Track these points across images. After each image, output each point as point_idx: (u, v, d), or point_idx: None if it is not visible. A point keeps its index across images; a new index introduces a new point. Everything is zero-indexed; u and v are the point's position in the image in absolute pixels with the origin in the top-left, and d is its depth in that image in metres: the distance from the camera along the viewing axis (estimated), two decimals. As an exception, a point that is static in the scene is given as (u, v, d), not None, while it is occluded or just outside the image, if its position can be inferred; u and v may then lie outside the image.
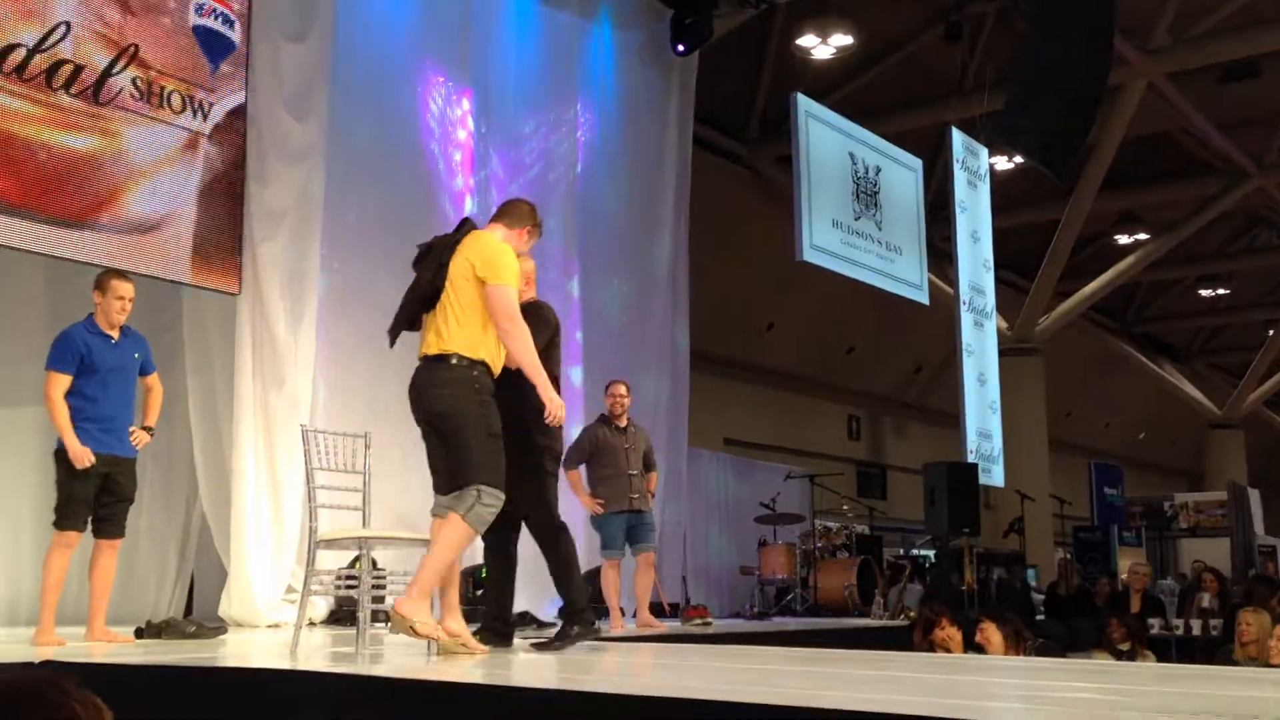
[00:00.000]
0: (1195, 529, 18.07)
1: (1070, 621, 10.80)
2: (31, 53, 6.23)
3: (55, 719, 1.42)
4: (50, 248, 6.32)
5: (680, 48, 11.06)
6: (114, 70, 6.58)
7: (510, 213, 4.74)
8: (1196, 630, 9.50)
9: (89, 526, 5.38)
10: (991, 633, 5.71)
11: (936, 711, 2.55)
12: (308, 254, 7.47)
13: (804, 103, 11.86)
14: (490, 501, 4.28)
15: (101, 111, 6.53)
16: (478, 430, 4.28)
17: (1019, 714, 2.65)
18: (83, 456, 5.20)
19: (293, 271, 7.37)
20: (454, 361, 4.35)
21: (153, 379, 5.70)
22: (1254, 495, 18.77)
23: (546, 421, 4.46)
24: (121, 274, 5.65)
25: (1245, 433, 25.09)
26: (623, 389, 7.57)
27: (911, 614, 10.55)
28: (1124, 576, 12.17)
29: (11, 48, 6.15)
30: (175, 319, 7.33)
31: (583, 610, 4.88)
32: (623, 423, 7.52)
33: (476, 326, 4.36)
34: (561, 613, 5.08)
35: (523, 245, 4.68)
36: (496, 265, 4.37)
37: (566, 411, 4.90)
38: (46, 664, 3.99)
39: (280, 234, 7.33)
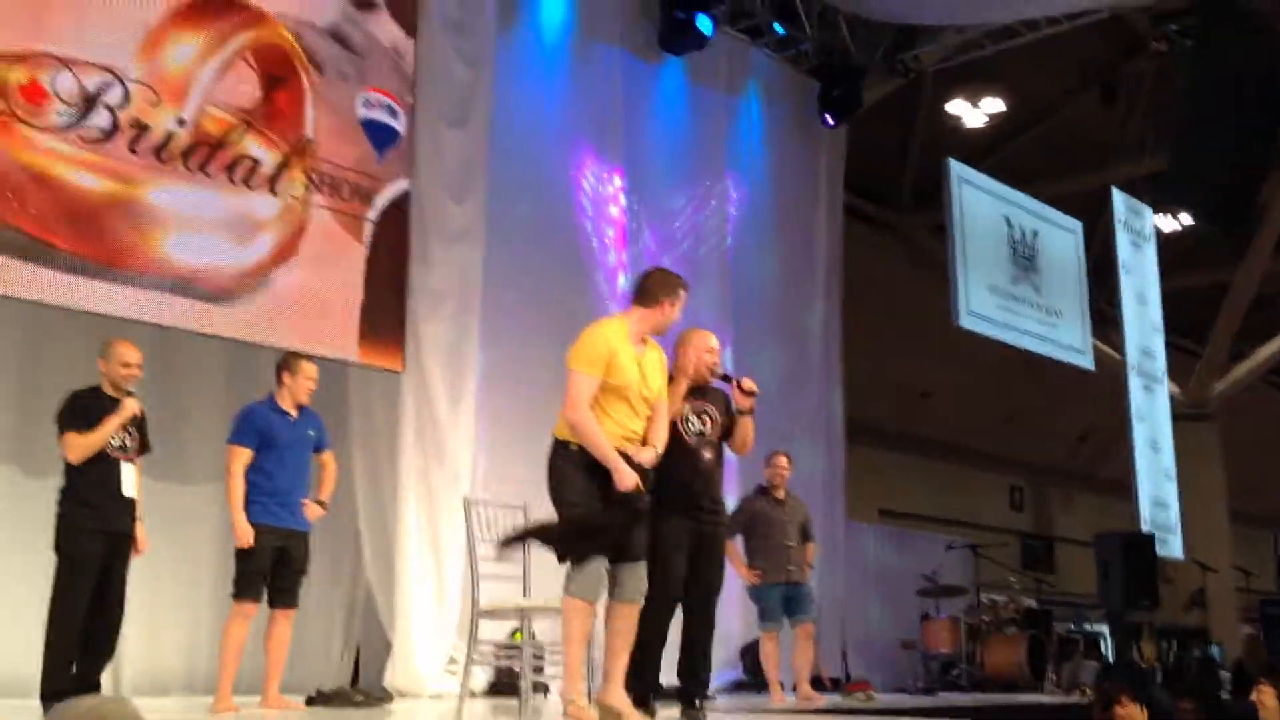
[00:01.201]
0: (1396, 601, 16.83)
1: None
2: (213, 149, 6.62)
3: None
4: (235, 332, 6.68)
5: (829, 119, 11.10)
6: (289, 164, 6.94)
7: (642, 290, 4.72)
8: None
9: (264, 598, 5.59)
10: (1268, 696, 5.58)
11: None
12: (467, 332, 7.69)
13: (957, 168, 11.75)
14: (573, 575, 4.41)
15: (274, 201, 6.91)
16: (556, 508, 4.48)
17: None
18: (245, 536, 5.41)
19: (453, 350, 7.60)
20: (553, 443, 4.57)
21: (327, 455, 5.92)
22: None
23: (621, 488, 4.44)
24: (308, 356, 5.93)
25: None
26: (784, 460, 7.54)
27: (1087, 690, 10.10)
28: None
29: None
30: (342, 396, 7.60)
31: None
32: (781, 494, 7.48)
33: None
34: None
35: (669, 317, 4.67)
36: (573, 350, 4.53)
37: (729, 486, 5.00)
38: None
39: (441, 313, 7.58)
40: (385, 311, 7.38)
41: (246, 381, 6.79)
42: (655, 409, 4.66)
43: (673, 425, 4.88)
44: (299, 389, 5.68)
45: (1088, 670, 11.11)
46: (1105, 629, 12.58)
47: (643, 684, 4.84)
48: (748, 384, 5.06)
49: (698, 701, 5.02)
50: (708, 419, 5.11)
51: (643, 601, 4.56)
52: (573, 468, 4.47)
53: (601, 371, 4.45)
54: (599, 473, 4.45)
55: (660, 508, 4.80)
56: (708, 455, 5.08)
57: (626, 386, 4.50)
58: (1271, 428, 21.27)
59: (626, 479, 4.40)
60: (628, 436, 4.54)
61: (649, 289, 4.69)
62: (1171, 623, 12.83)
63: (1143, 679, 10.30)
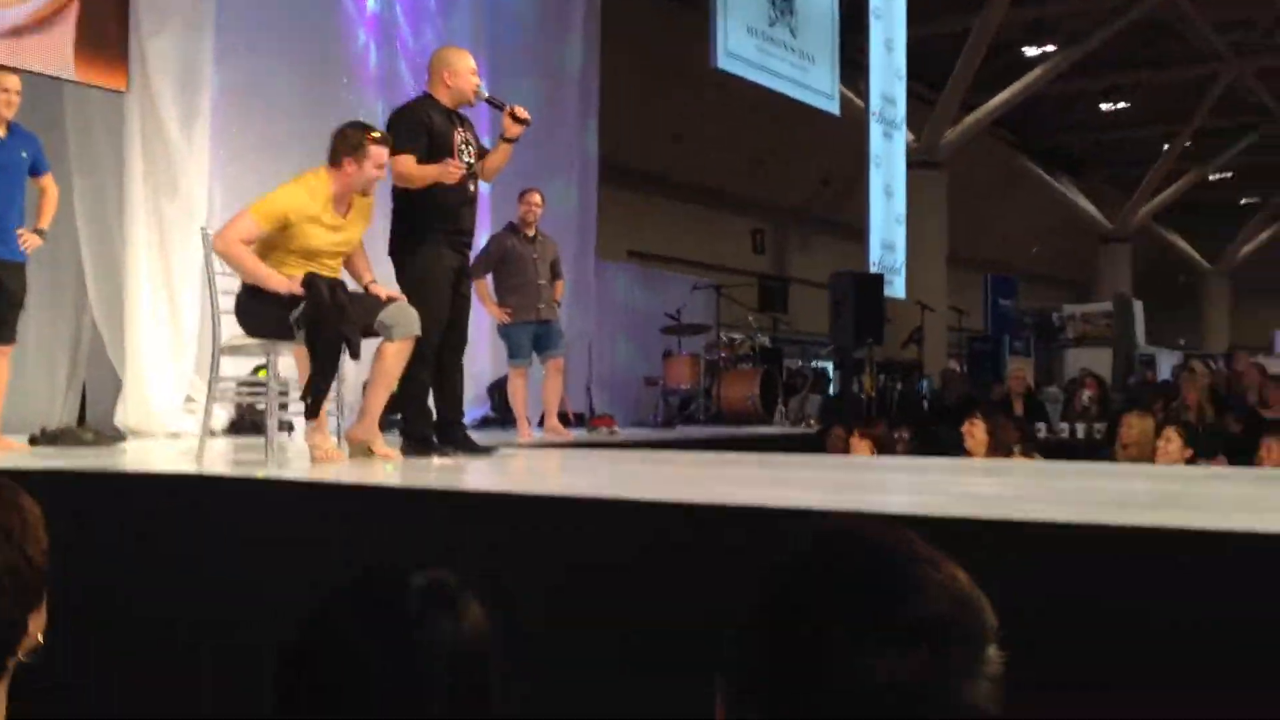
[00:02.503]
0: (1082, 339, 18.63)
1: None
2: None
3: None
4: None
5: None
6: None
7: (330, 150, 4.53)
8: (1081, 434, 9.91)
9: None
10: (978, 429, 6.00)
11: (840, 505, 2.62)
12: (200, 48, 7.10)
13: (720, -101, 11.41)
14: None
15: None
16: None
17: (920, 506, 2.73)
18: None
19: (184, 68, 7.02)
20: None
21: (46, 179, 5.47)
22: (1138, 307, 19.39)
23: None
24: (4, 67, 5.35)
25: (1134, 247, 25.80)
26: (538, 198, 7.43)
27: (813, 421, 10.85)
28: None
29: None
30: (58, 117, 6.96)
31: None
32: (531, 232, 7.41)
33: None
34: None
35: (363, 174, 4.46)
36: (260, 199, 4.47)
37: (479, 220, 4.95)
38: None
39: (170, 27, 6.94)
40: (105, 24, 6.68)
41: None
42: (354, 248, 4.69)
43: (446, 154, 4.81)
44: None
45: (813, 403, 11.91)
46: (831, 365, 13.44)
47: (425, 423, 4.89)
48: (521, 112, 4.95)
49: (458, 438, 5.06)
50: (473, 150, 5.02)
51: (416, 336, 4.53)
52: (265, 307, 4.39)
53: (270, 228, 4.37)
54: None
55: (429, 239, 4.83)
56: (471, 188, 5.02)
57: (316, 251, 4.47)
58: (992, 176, 22.66)
59: (287, 284, 4.32)
60: None
61: (331, 149, 4.51)
62: (890, 358, 13.79)
63: (861, 410, 11.13)
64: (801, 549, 0.94)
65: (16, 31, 6.27)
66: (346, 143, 4.46)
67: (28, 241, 5.30)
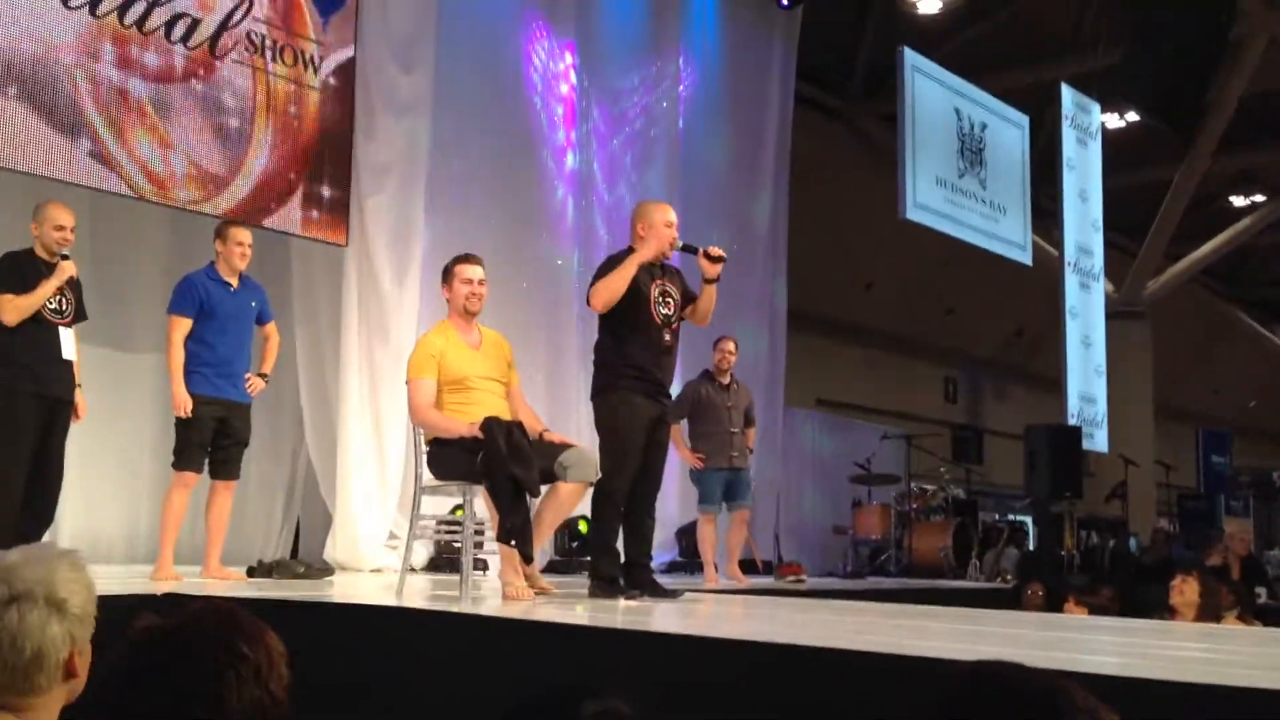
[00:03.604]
0: (1307, 499, 17.47)
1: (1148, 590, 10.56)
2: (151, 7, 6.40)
3: (229, 659, 1.47)
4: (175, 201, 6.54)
5: (784, 1, 10.93)
6: (229, 24, 6.74)
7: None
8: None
9: (205, 469, 5.58)
10: (1189, 590, 5.71)
11: (1035, 662, 2.55)
12: (413, 207, 7.59)
13: (910, 57, 11.67)
14: None
15: (217, 65, 6.70)
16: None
17: (1119, 668, 2.63)
18: (183, 404, 5.38)
19: (398, 224, 7.50)
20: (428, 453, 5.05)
21: (270, 328, 5.88)
22: (1370, 466, 18.11)
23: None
24: (240, 223, 5.85)
25: (1362, 402, 24.20)
26: (731, 345, 7.58)
27: (1008, 577, 10.46)
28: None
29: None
30: (283, 271, 7.51)
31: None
32: (726, 379, 7.54)
33: None
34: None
35: (464, 289, 4.97)
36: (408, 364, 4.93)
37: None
38: (168, 597, 4.16)
39: (387, 187, 7.46)
40: (328, 183, 7.25)
41: (189, 250, 6.68)
42: (513, 396, 5.00)
43: (641, 305, 4.91)
44: (232, 255, 5.60)
45: (1009, 557, 11.48)
46: (1029, 519, 12.97)
47: (612, 564, 4.94)
48: (715, 251, 4.97)
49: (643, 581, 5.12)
50: (671, 301, 5.05)
51: (592, 481, 4.67)
52: (451, 454, 4.68)
53: (434, 374, 4.79)
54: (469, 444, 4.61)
55: (623, 386, 4.91)
56: (667, 338, 5.03)
57: (466, 378, 4.82)
58: (1198, 326, 21.77)
59: (468, 428, 4.58)
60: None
61: (443, 286, 5.06)
62: (1092, 513, 13.23)
63: (1060, 567, 10.67)
64: (967, 676, 0.97)
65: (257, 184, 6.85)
66: (443, 278, 5.03)
67: (253, 385, 5.70)
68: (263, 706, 1.47)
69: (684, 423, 7.43)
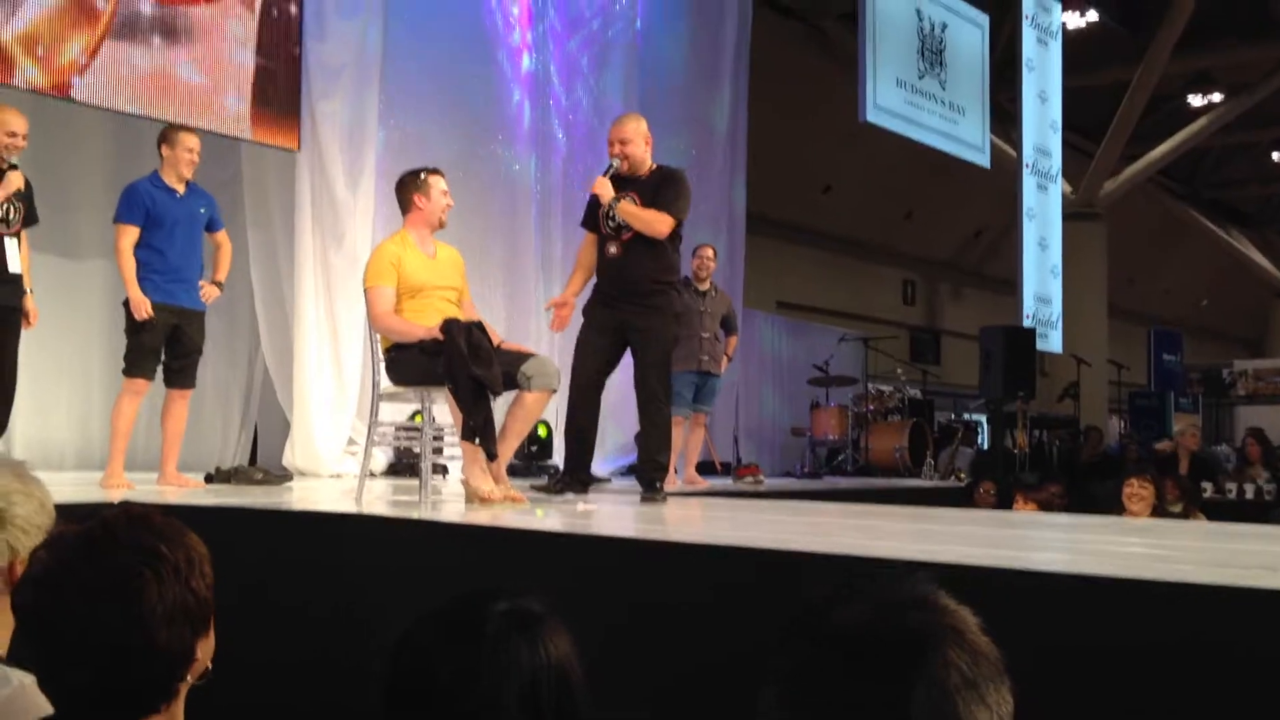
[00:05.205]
0: (1253, 396, 17.82)
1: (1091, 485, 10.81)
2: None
3: (144, 561, 1.48)
4: (118, 103, 6.37)
5: (742, -103, 10.70)
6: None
7: (399, 204, 4.99)
8: (1250, 494, 9.50)
9: (158, 376, 5.54)
10: (1147, 491, 5.89)
11: (985, 561, 2.61)
12: (366, 111, 7.45)
13: (869, -45, 11.47)
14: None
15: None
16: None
17: (1067, 564, 2.70)
18: (141, 306, 5.31)
19: (351, 128, 7.36)
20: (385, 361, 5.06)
21: (221, 235, 5.80)
22: (1317, 364, 18.47)
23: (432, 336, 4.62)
24: (187, 128, 5.72)
25: (1311, 301, 24.64)
26: (710, 252, 7.65)
27: (962, 475, 10.65)
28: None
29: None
30: (235, 175, 7.39)
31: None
32: (704, 286, 7.55)
33: None
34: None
35: (433, 206, 4.90)
36: (365, 272, 4.88)
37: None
38: (124, 504, 4.15)
39: (339, 91, 7.31)
40: (279, 86, 7.09)
41: (132, 156, 6.55)
42: (465, 307, 5.00)
43: (600, 220, 5.29)
44: (180, 161, 5.48)
45: (963, 456, 11.68)
46: (983, 418, 13.18)
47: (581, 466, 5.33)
48: (595, 185, 5.27)
49: (657, 484, 5.24)
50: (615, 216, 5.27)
51: (555, 389, 4.71)
52: (411, 358, 4.67)
53: (394, 281, 4.75)
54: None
55: (590, 301, 5.33)
56: (613, 249, 5.24)
57: (422, 285, 4.80)
58: (1155, 228, 21.97)
59: (427, 330, 4.59)
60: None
61: (399, 200, 4.98)
62: (1045, 412, 13.45)
63: (1013, 465, 10.88)
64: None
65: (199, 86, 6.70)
66: (409, 187, 4.91)
67: (207, 293, 5.63)
68: (186, 606, 1.48)
69: None
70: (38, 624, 1.45)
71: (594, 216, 5.35)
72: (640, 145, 5.26)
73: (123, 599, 1.43)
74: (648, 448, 5.29)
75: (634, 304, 5.21)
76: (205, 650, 1.54)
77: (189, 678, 1.51)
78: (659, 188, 5.20)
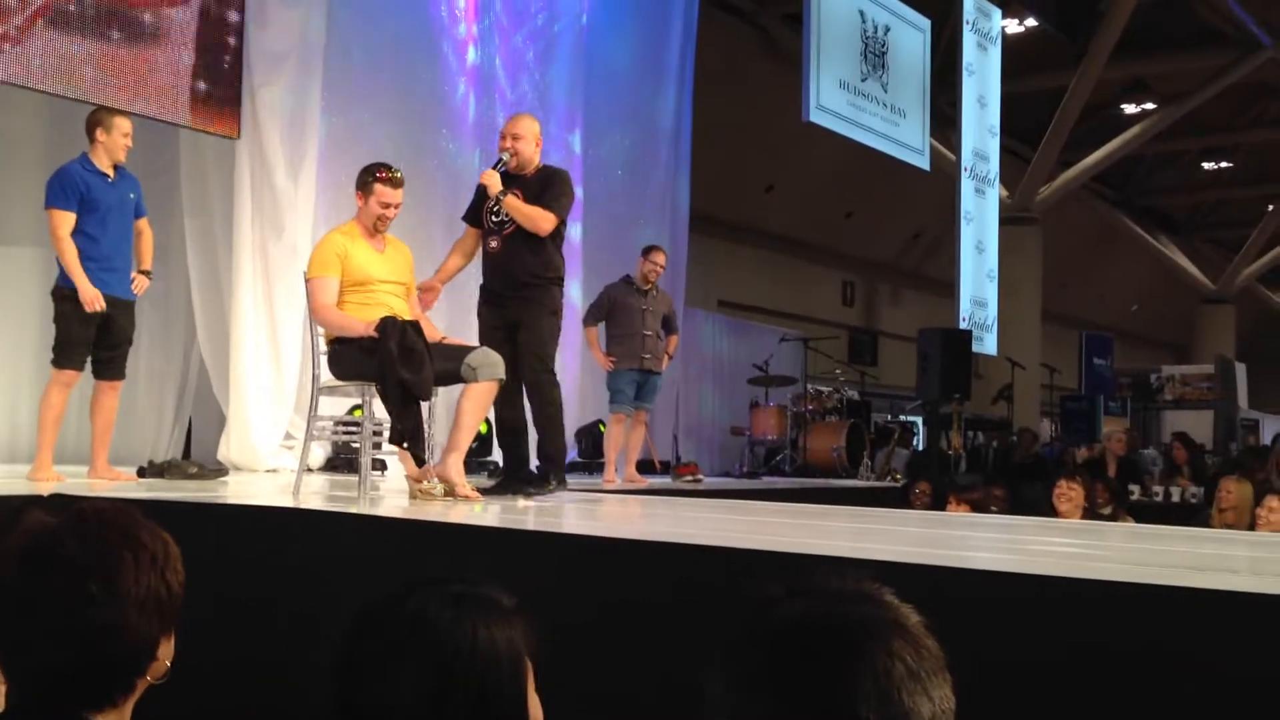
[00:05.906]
0: (1180, 401, 18.24)
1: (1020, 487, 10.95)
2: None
3: (125, 544, 1.48)
4: (50, 85, 6.24)
5: (690, -104, 10.72)
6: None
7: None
8: (1176, 497, 9.70)
9: (87, 367, 5.42)
10: (1075, 493, 5.94)
11: (921, 559, 2.64)
12: (309, 99, 7.36)
13: (815, -44, 11.54)
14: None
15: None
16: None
17: (999, 564, 2.74)
18: (94, 300, 5.20)
19: (293, 117, 7.27)
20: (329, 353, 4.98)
21: (143, 222, 5.62)
22: (1240, 370, 18.92)
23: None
24: (120, 111, 5.60)
25: (1237, 308, 25.20)
26: (661, 258, 7.74)
27: (898, 476, 10.77)
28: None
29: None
30: (171, 162, 7.27)
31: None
32: (647, 287, 7.61)
33: None
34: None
35: (379, 202, 4.79)
36: (309, 262, 4.83)
37: (568, 269, 5.38)
38: (55, 498, 4.08)
39: (280, 78, 7.22)
40: (219, 74, 6.99)
41: (61, 141, 6.40)
42: (412, 300, 4.97)
43: (484, 215, 5.29)
44: (116, 146, 5.36)
45: (899, 457, 11.81)
46: (919, 419, 13.33)
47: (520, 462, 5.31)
48: (483, 177, 5.26)
49: (552, 479, 5.23)
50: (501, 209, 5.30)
51: (501, 379, 4.70)
52: (351, 353, 4.62)
53: (338, 272, 4.68)
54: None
55: (479, 303, 5.36)
56: (493, 244, 5.28)
57: (370, 278, 4.73)
58: (1089, 234, 22.36)
59: (365, 327, 4.53)
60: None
61: (357, 191, 4.87)
62: (979, 414, 13.63)
63: (948, 466, 11.02)
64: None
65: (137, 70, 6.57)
66: (359, 181, 4.84)
67: (139, 285, 5.51)
68: (159, 596, 1.49)
69: (601, 325, 7.54)
70: (15, 599, 1.45)
71: (477, 211, 5.35)
72: (531, 144, 5.27)
73: (104, 576, 1.44)
74: (539, 440, 5.30)
75: (516, 297, 5.24)
76: (166, 651, 1.53)
77: (149, 676, 1.51)
78: (544, 187, 5.24)
